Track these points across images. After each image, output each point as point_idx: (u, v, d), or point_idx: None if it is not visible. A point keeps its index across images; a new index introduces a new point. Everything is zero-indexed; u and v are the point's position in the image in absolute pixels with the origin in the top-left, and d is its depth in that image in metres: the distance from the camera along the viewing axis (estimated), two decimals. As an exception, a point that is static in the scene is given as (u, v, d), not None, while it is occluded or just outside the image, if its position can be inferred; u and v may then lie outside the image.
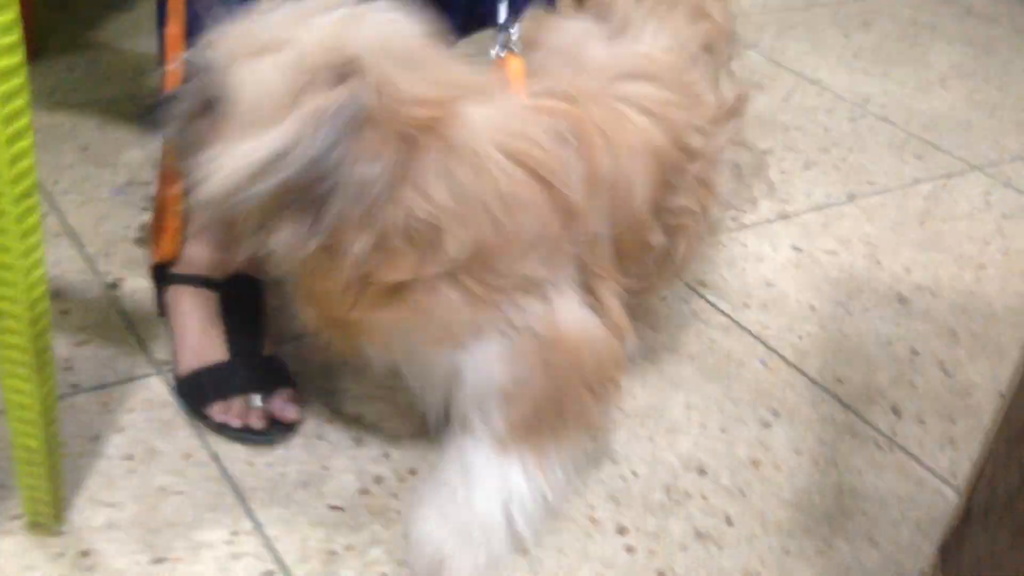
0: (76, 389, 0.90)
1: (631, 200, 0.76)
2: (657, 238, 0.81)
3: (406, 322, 0.69)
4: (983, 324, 1.14)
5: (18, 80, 0.58)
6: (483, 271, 0.67)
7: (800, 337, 1.08)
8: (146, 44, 1.49)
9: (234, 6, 0.83)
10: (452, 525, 0.78)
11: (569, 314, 0.73)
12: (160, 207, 0.92)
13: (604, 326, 0.75)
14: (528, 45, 0.82)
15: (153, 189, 0.92)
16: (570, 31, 0.83)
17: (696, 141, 0.80)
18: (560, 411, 0.75)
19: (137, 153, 1.24)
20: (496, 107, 0.67)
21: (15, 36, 0.57)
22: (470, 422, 0.76)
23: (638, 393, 0.98)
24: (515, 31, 0.83)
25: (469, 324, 0.69)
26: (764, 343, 1.07)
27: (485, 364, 0.72)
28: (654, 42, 0.82)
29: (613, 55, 0.80)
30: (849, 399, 1.01)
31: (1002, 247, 1.30)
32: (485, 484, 0.77)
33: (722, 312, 1.10)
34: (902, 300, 1.16)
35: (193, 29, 0.83)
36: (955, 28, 2.00)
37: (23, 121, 0.60)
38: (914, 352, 1.08)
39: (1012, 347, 1.11)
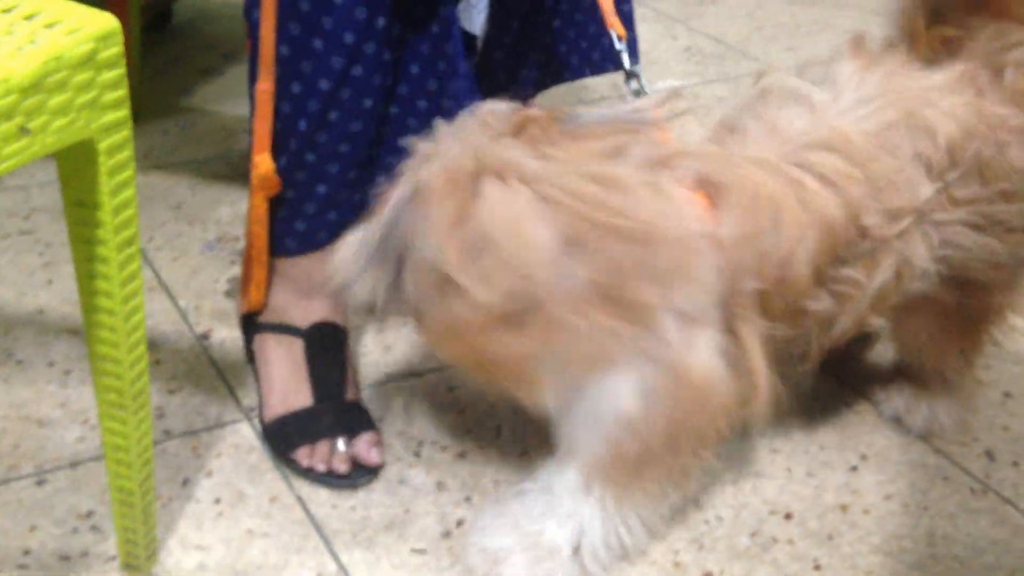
0: (168, 435, 0.93)
1: (786, 261, 0.74)
2: (818, 304, 0.79)
3: (539, 352, 0.71)
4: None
5: (123, 133, 0.62)
6: (618, 303, 0.68)
7: (885, 379, 1.05)
8: (235, 107, 1.56)
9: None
10: (520, 535, 0.78)
11: (703, 353, 0.73)
12: (248, 260, 0.95)
13: (736, 371, 0.75)
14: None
15: (241, 244, 0.96)
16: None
17: (872, 221, 0.78)
18: (666, 453, 0.75)
19: (227, 210, 1.29)
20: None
21: (122, 91, 0.60)
22: (572, 447, 0.77)
23: (720, 438, 0.97)
24: (642, 76, 0.85)
25: (604, 354, 0.71)
26: (850, 386, 1.05)
27: (614, 394, 0.73)
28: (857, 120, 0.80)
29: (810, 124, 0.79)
30: (940, 443, 0.98)
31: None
32: (561, 511, 0.77)
33: (804, 356, 1.09)
34: (993, 342, 1.13)
35: (283, 85, 0.87)
36: None
37: (127, 173, 0.63)
38: (1007, 395, 1.05)
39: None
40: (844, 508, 0.90)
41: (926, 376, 0.98)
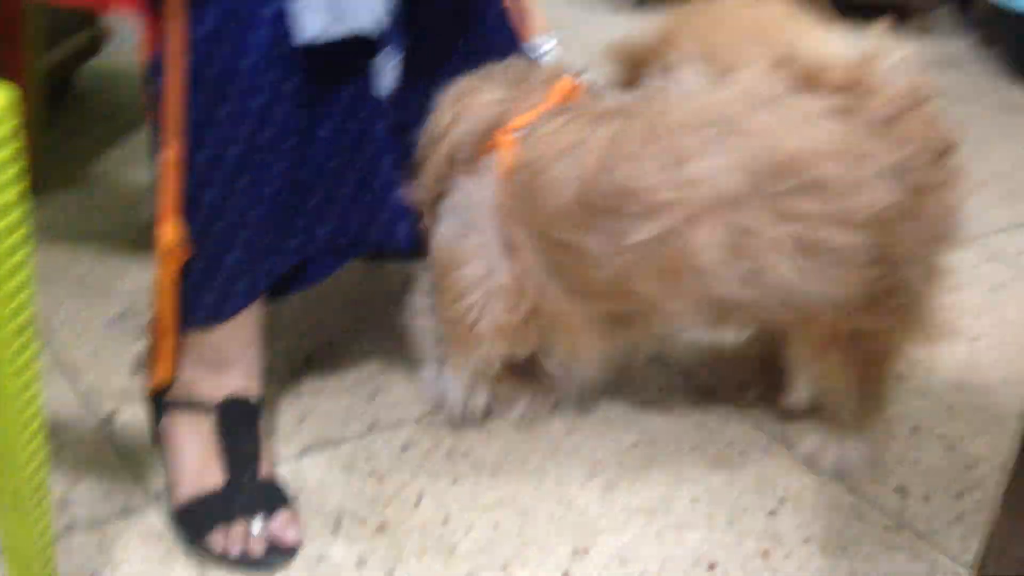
0: (72, 528, 0.89)
1: (549, 195, 0.89)
2: (592, 244, 0.89)
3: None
4: (981, 397, 1.14)
5: (15, 215, 0.59)
6: None
7: (800, 420, 1.07)
8: (139, 176, 1.53)
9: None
10: None
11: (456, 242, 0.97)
12: (154, 335, 0.93)
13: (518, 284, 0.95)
14: None
15: (148, 318, 0.93)
16: None
17: (646, 184, 0.88)
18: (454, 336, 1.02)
19: (132, 283, 1.26)
20: None
21: (17, 169, 0.58)
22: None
23: (641, 489, 0.97)
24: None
25: None
26: (765, 430, 1.06)
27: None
28: None
29: None
30: (854, 481, 0.99)
31: (994, 319, 1.30)
32: None
33: (720, 401, 1.10)
34: (899, 377, 1.16)
35: (190, 154, 0.85)
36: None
37: (21, 254, 0.61)
38: (915, 429, 1.08)
39: (1012, 419, 1.10)
40: (766, 554, 0.90)
41: (836, 416, 1.00)
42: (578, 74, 0.96)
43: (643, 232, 0.83)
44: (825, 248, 0.82)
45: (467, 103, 0.95)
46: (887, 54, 0.84)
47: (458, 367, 1.00)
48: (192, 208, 0.87)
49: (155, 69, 0.85)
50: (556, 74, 0.96)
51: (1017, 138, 1.91)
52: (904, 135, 0.83)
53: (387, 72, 0.93)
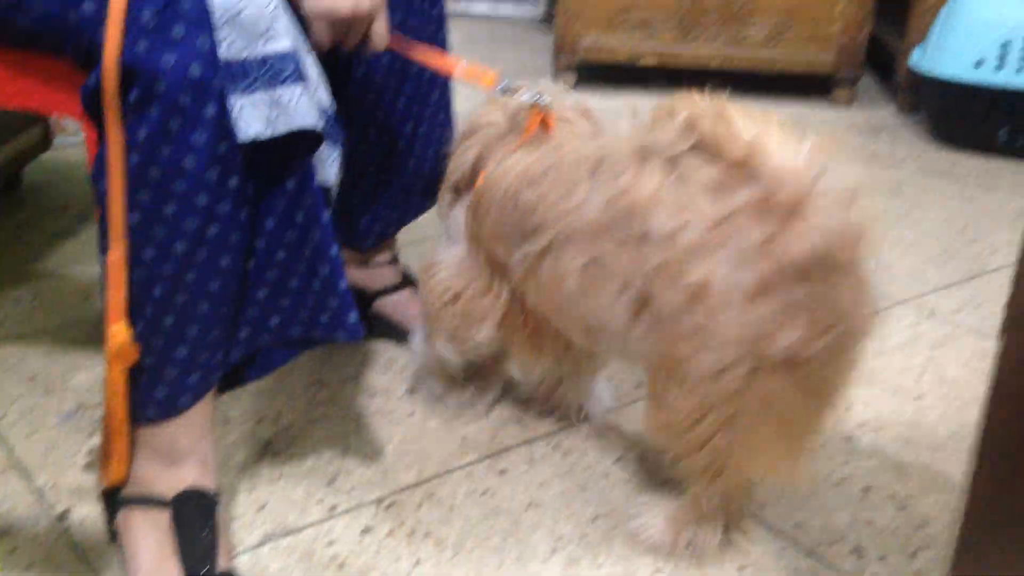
0: (29, 629, 0.87)
1: (481, 214, 1.09)
2: (506, 259, 1.06)
3: None
4: (929, 455, 1.17)
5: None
6: None
7: (755, 486, 1.09)
8: (89, 270, 1.53)
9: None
10: None
11: (444, 256, 1.17)
12: (108, 433, 0.93)
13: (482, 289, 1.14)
14: None
15: (101, 412, 0.93)
16: None
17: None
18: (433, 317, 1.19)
19: (85, 377, 1.25)
20: None
21: None
22: None
23: (604, 563, 0.98)
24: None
25: None
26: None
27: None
28: None
29: None
30: (811, 544, 1.01)
31: (936, 377, 1.34)
32: None
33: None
34: (848, 439, 1.19)
35: (136, 252, 0.86)
36: (864, 174, 2.11)
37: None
38: (867, 489, 1.10)
39: (959, 475, 1.13)
40: (728, 622, 0.91)
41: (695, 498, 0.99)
42: (547, 108, 1.06)
43: (531, 246, 0.98)
44: (646, 300, 0.89)
45: (467, 141, 1.11)
46: (796, 149, 0.83)
47: (437, 337, 1.17)
48: (140, 304, 0.87)
49: (99, 170, 0.86)
50: (533, 110, 1.07)
51: (945, 200, 1.99)
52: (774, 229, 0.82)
53: (331, 162, 0.95)
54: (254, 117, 0.85)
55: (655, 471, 1.12)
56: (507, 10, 3.66)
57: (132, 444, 0.93)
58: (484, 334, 1.11)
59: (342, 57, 1.13)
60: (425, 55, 1.09)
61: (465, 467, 1.13)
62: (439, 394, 1.24)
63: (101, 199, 0.86)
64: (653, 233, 0.85)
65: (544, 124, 1.05)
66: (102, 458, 0.95)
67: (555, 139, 1.03)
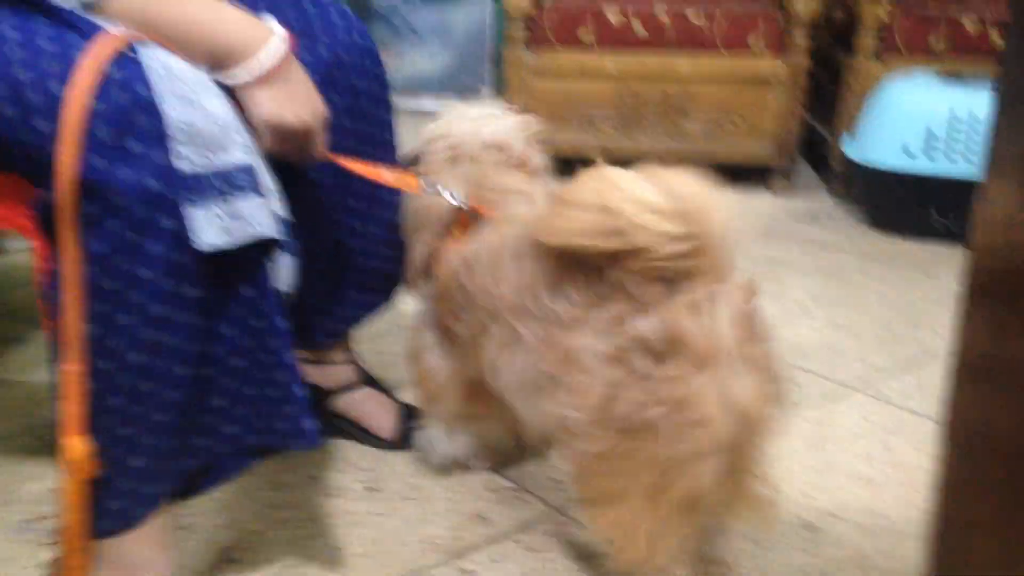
0: None
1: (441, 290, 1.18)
2: (460, 329, 1.13)
3: None
4: (890, 542, 1.18)
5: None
6: None
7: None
8: (40, 375, 1.50)
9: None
10: None
11: (418, 341, 1.27)
12: (64, 546, 0.90)
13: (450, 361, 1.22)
14: None
15: (55, 522, 0.90)
16: None
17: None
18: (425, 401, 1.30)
19: (37, 487, 1.22)
20: None
21: None
22: None
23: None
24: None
25: None
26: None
27: None
28: None
29: None
30: (781, 637, 1.01)
31: (891, 462, 1.37)
32: None
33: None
34: (809, 528, 1.20)
35: (91, 363, 0.85)
36: (805, 260, 2.18)
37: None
38: (833, 579, 1.11)
39: (920, 560, 1.15)
40: None
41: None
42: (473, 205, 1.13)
43: (473, 323, 1.07)
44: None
45: (418, 235, 1.20)
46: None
47: (432, 420, 1.26)
48: (96, 415, 0.86)
49: (51, 283, 0.85)
50: (459, 210, 1.14)
51: (885, 284, 2.05)
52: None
53: (287, 269, 0.95)
54: (213, 227, 0.85)
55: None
56: (452, 104, 3.74)
57: (90, 557, 0.90)
58: (450, 407, 1.21)
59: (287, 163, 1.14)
60: (354, 164, 1.11)
61: (431, 568, 1.11)
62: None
63: (52, 312, 0.86)
64: (546, 310, 0.95)
65: (476, 213, 1.12)
66: (60, 572, 0.92)
67: (491, 222, 1.10)
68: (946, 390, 0.66)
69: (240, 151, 0.87)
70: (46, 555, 1.09)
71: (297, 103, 0.96)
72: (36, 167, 0.84)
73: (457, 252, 1.11)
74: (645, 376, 0.87)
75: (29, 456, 1.29)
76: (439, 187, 1.15)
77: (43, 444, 1.31)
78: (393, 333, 1.67)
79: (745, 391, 0.86)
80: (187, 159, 0.84)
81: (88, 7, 0.90)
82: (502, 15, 2.70)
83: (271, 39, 0.94)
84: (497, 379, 1.06)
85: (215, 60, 0.92)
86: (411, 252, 1.21)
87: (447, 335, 1.15)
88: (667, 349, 0.86)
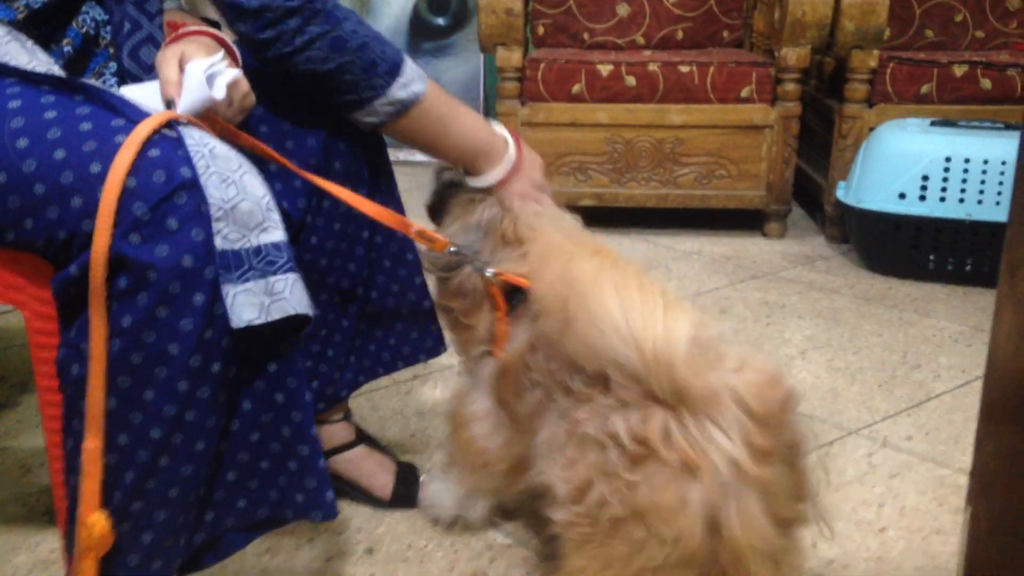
0: None
1: None
2: None
3: None
4: (899, 590, 1.16)
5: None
6: None
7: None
8: (30, 441, 1.48)
9: None
10: None
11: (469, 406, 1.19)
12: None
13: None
14: None
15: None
16: None
17: None
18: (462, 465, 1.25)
19: (26, 558, 1.19)
20: None
21: None
22: None
23: None
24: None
25: None
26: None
27: None
28: None
29: None
30: None
31: (896, 507, 1.34)
32: None
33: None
34: (818, 578, 1.18)
35: (109, 438, 0.84)
36: (802, 304, 2.17)
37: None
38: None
39: (932, 609, 1.13)
40: None
41: None
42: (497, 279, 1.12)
43: (531, 398, 1.03)
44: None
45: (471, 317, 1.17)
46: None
47: (461, 483, 1.23)
48: (110, 489, 0.85)
49: (67, 356, 0.84)
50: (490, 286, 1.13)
51: (883, 326, 2.04)
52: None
53: (299, 289, 0.94)
54: (248, 304, 0.85)
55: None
56: (445, 157, 3.76)
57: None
58: (493, 481, 1.18)
59: (295, 224, 1.14)
60: (382, 213, 1.10)
61: (431, 632, 1.09)
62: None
63: (72, 386, 0.84)
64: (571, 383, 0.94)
65: (512, 291, 1.09)
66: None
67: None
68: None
69: (279, 230, 0.88)
70: (35, 627, 1.06)
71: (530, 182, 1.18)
72: (60, 243, 0.84)
73: (524, 331, 1.06)
74: (613, 473, 0.85)
75: (19, 525, 1.26)
76: (469, 255, 1.12)
77: (33, 512, 1.29)
78: (388, 388, 1.66)
79: (739, 514, 0.82)
80: (227, 237, 0.84)
81: (397, 113, 1.08)
82: (494, 68, 2.72)
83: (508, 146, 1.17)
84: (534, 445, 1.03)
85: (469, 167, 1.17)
86: (469, 328, 1.16)
87: (505, 408, 1.10)
88: (638, 451, 0.84)
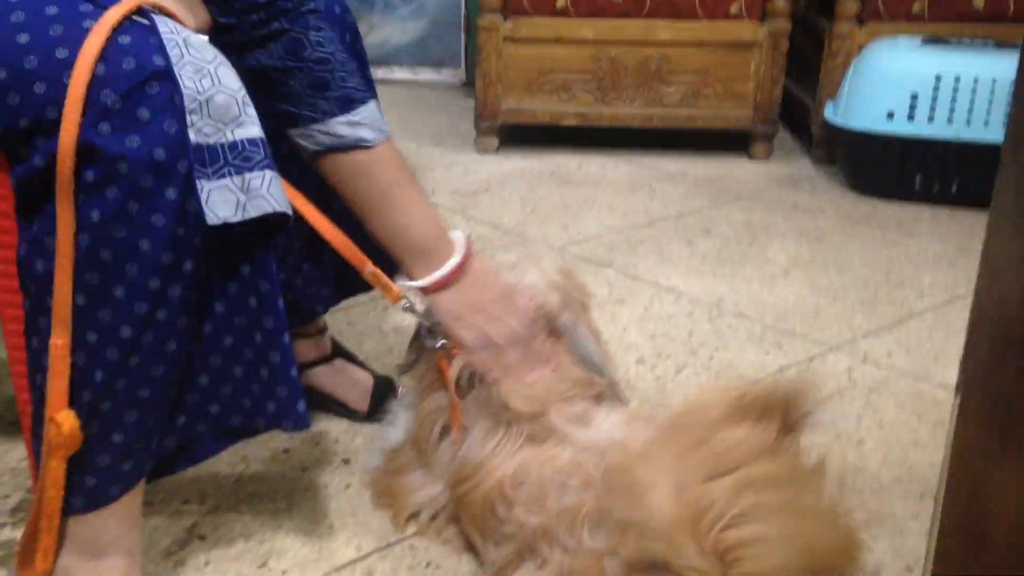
0: None
1: None
2: None
3: None
4: (876, 500, 1.16)
5: None
6: None
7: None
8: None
9: None
10: None
11: None
12: (33, 527, 0.86)
13: None
14: None
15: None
16: None
17: None
18: None
19: (-6, 466, 1.18)
20: None
21: None
22: None
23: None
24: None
25: None
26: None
27: None
28: None
29: None
30: (766, 600, 0.98)
31: (875, 420, 1.34)
32: None
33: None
34: (795, 489, 1.17)
35: (76, 336, 0.81)
36: (786, 224, 2.15)
37: None
38: (818, 539, 1.08)
39: (908, 519, 1.13)
40: None
41: None
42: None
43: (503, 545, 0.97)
44: None
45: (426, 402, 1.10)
46: None
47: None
48: (78, 389, 0.82)
49: (30, 252, 0.81)
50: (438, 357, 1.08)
51: (867, 246, 2.02)
52: None
53: (276, 186, 0.91)
54: (224, 202, 0.82)
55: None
56: (428, 75, 3.68)
57: (58, 538, 0.87)
58: None
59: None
60: (342, 244, 1.05)
61: (407, 539, 1.08)
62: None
63: (36, 283, 0.82)
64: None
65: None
66: (21, 556, 0.88)
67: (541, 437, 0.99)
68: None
69: (255, 126, 0.84)
70: (6, 535, 1.05)
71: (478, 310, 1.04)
72: (25, 135, 0.80)
73: (505, 460, 0.98)
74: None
75: (-13, 434, 1.25)
76: (420, 315, 1.05)
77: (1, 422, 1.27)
78: (365, 304, 1.64)
79: None
80: (201, 131, 0.81)
81: (331, 148, 0.98)
82: (475, -18, 2.65)
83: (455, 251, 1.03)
84: None
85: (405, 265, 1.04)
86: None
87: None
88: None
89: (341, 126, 0.98)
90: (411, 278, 1.04)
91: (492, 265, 1.07)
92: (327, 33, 0.96)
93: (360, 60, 1.16)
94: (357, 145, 0.98)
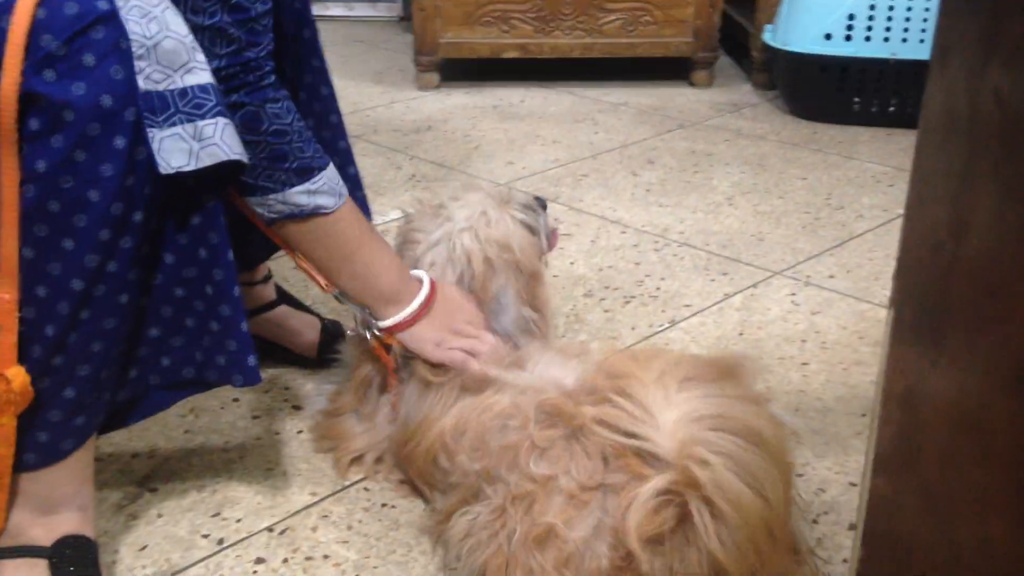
0: None
1: None
2: None
3: None
4: (819, 420, 1.19)
5: None
6: None
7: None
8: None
9: None
10: None
11: None
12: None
13: None
14: None
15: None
16: None
17: None
18: None
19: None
20: None
21: None
22: None
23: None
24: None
25: None
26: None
27: None
28: None
29: None
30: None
31: (818, 342, 1.37)
32: None
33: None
34: (741, 412, 1.20)
35: (25, 290, 0.79)
36: (729, 152, 2.16)
37: None
38: (764, 461, 1.11)
39: (851, 436, 1.16)
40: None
41: None
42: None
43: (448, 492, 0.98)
44: None
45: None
46: None
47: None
48: (28, 346, 0.81)
49: None
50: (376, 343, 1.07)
51: (808, 170, 2.04)
52: None
53: (230, 134, 0.89)
54: (176, 150, 0.80)
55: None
56: (363, 10, 3.60)
57: (9, 495, 0.86)
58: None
59: None
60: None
61: (361, 482, 1.08)
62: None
63: None
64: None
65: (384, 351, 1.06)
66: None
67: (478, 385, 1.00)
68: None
69: (206, 71, 0.82)
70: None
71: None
72: None
73: (444, 414, 0.99)
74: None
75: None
76: (353, 304, 1.06)
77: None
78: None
79: None
80: (150, 77, 0.78)
81: (290, 216, 0.97)
82: (407, -88, 2.58)
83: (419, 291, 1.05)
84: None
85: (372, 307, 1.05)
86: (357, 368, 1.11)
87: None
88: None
89: (299, 195, 0.95)
90: (381, 319, 1.04)
91: (452, 289, 1.07)
92: (285, 103, 0.93)
93: (312, 29, 1.13)
94: (315, 213, 0.97)
